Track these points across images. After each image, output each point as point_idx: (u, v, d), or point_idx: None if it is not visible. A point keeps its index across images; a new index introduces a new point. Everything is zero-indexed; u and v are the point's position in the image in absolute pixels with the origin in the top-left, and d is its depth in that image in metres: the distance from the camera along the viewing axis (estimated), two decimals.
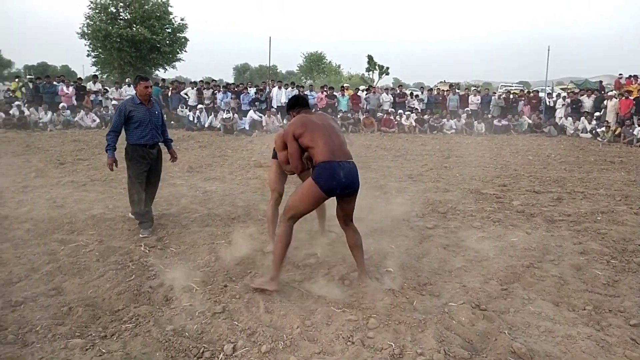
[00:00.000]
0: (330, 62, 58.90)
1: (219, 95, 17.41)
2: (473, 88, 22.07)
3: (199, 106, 16.76)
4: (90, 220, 5.30)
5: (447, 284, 3.80)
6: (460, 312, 3.30)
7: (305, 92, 18.44)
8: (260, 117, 16.22)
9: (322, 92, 18.62)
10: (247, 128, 15.57)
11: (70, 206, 5.86)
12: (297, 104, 3.90)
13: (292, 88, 17.98)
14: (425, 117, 18.27)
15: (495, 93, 20.85)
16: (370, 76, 50.62)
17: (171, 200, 6.35)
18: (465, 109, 18.81)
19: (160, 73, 31.93)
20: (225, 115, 15.70)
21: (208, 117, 16.29)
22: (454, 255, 4.49)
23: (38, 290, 3.49)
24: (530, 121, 18.20)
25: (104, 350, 2.69)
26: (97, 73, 29.46)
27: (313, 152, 3.51)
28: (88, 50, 29.65)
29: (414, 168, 9.41)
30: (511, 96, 19.86)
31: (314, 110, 15.85)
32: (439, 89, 21.77)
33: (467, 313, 3.29)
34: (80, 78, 18.68)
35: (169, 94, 17.72)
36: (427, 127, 17.76)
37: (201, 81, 18.45)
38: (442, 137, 16.11)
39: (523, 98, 19.53)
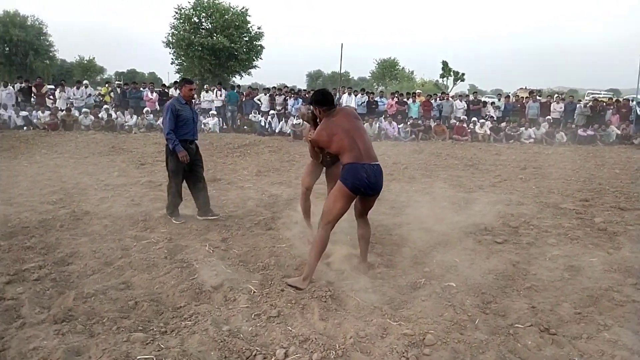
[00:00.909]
0: (403, 68, 58.27)
1: (290, 101, 17.74)
2: (556, 95, 20.82)
3: (271, 112, 17.18)
4: (163, 219, 5.56)
5: (514, 304, 3.57)
6: (526, 335, 3.09)
7: (375, 98, 18.32)
8: None
9: (392, 98, 18.41)
10: None
11: (146, 205, 6.19)
12: (326, 102, 4.01)
13: (362, 94, 17.95)
14: (502, 125, 17.51)
15: (580, 101, 19.56)
16: (445, 82, 49.46)
17: (238, 202, 6.52)
18: (547, 118, 17.82)
19: (237, 80, 33.19)
20: (295, 121, 15.97)
21: (279, 123, 16.64)
22: (523, 273, 4.22)
23: (109, 283, 3.70)
24: (618, 132, 16.91)
25: (162, 346, 2.79)
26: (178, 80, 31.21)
27: (341, 157, 3.84)
28: (172, 58, 31.49)
29: (485, 179, 9.02)
30: (598, 104, 18.53)
31: (383, 116, 15.63)
32: (517, 95, 20.78)
33: (534, 336, 3.07)
34: (164, 84, 19.81)
35: (243, 99, 18.30)
36: (503, 136, 17.01)
37: (274, 87, 18.91)
38: (519, 147, 15.35)
39: (611, 107, 18.17)
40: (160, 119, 16.71)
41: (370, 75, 60.36)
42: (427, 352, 2.86)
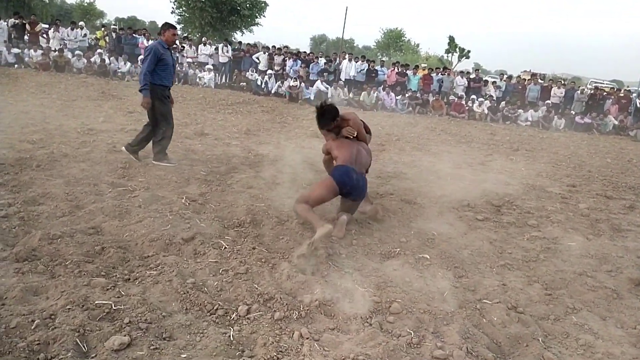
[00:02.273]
0: (409, 40, 57.24)
1: (289, 63, 17.40)
2: (558, 80, 20.57)
3: (268, 71, 16.87)
4: (143, 168, 5.45)
5: (486, 280, 3.55)
6: (493, 311, 3.07)
7: (376, 67, 18.00)
8: (327, 88, 16.06)
9: (392, 69, 18.12)
10: (312, 98, 15.48)
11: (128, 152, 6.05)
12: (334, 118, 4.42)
13: (362, 61, 17.62)
14: (500, 105, 17.34)
15: (580, 87, 19.37)
16: (449, 58, 48.73)
17: (222, 159, 6.41)
18: (546, 102, 17.64)
19: (238, 36, 32.42)
20: (292, 83, 15.70)
21: (275, 83, 16.36)
22: (499, 251, 4.20)
23: (78, 227, 3.62)
24: (616, 122, 16.82)
25: (123, 293, 2.74)
26: (179, 31, 30.42)
27: (336, 162, 4.38)
28: (172, 8, 30.61)
29: (476, 156, 8.95)
30: (599, 93, 18.36)
31: (382, 86, 15.45)
32: (519, 77, 20.52)
33: (500, 313, 3.05)
34: (158, 33, 19.26)
35: (243, 56, 17.92)
36: (501, 116, 16.89)
37: (273, 47, 18.48)
38: (515, 129, 15.26)
39: (612, 96, 18.01)
40: None
41: (375, 44, 59.29)
42: (391, 319, 2.83)
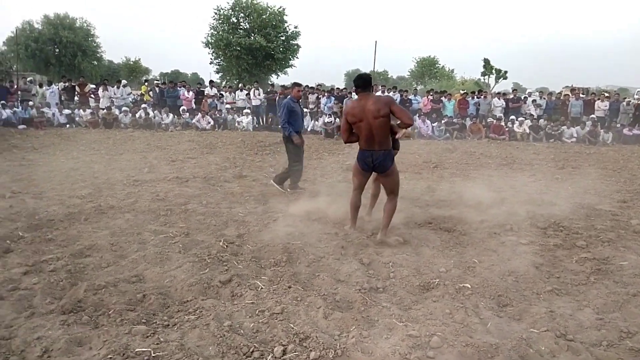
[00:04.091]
0: (443, 66, 57.12)
1: (323, 100, 17.69)
2: (601, 93, 19.86)
3: (304, 110, 17.20)
4: (184, 214, 5.63)
5: (532, 308, 3.39)
6: (540, 340, 2.92)
7: (410, 97, 18.03)
8: None
9: (427, 97, 18.08)
10: None
11: (170, 200, 6.29)
12: (357, 84, 4.76)
13: (395, 92, 17.69)
14: (541, 123, 16.88)
15: (625, 98, 18.62)
16: (486, 81, 48.18)
17: (259, 198, 6.53)
18: (590, 116, 17.03)
19: (274, 79, 33.41)
20: (327, 119, 15.93)
21: (311, 121, 16.64)
22: (546, 276, 4.01)
23: (121, 276, 3.75)
24: None
25: (162, 339, 2.79)
26: (218, 79, 31.85)
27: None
28: (211, 58, 32.04)
29: (518, 178, 8.69)
30: None
31: (417, 114, 15.41)
32: (560, 93, 19.99)
33: (548, 342, 2.90)
34: (199, 83, 20.17)
35: (277, 98, 18.41)
36: (543, 134, 16.39)
37: (306, 86, 18.90)
38: (559, 147, 14.75)
39: None
40: (195, 118, 17.11)
41: (409, 73, 59.52)
42: (432, 354, 2.75)
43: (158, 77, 56.54)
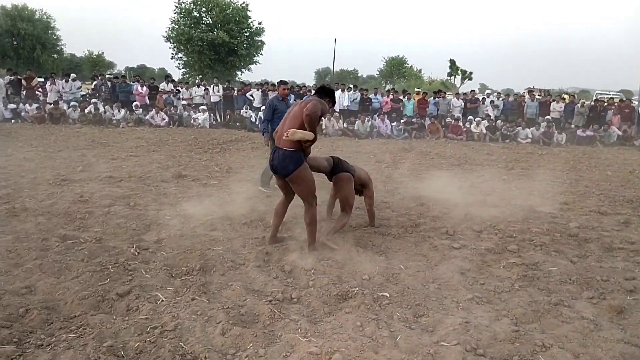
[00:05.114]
0: (411, 66, 57.54)
1: (271, 95, 17.37)
2: (564, 95, 20.12)
3: (262, 107, 16.86)
4: (104, 217, 5.27)
5: (448, 318, 3.22)
6: (448, 355, 2.75)
7: (370, 96, 17.91)
8: (321, 120, 15.95)
9: (387, 96, 18.02)
10: None
11: (94, 201, 5.90)
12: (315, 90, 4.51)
13: (355, 91, 17.54)
14: (498, 124, 17.04)
15: (581, 100, 19.02)
16: (452, 81, 48.81)
17: (194, 200, 6.20)
18: (546, 117, 17.28)
19: (244, 76, 32.72)
20: None
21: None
22: (470, 283, 3.87)
23: (11, 287, 3.41)
24: (619, 132, 16.37)
25: None
26: (182, 75, 31.09)
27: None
28: (172, 53, 31.18)
29: (468, 179, 8.62)
30: (599, 105, 17.96)
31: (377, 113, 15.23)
32: (516, 94, 20.27)
33: (456, 357, 2.72)
34: (153, 78, 19.52)
35: (235, 94, 18.01)
36: (499, 135, 16.53)
37: (266, 83, 18.58)
38: (514, 147, 14.86)
39: (613, 107, 17.60)
40: (149, 114, 16.53)
41: (378, 72, 59.79)
42: None
43: (123, 71, 54.86)
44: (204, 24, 30.38)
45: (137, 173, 7.87)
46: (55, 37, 39.37)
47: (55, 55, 41.04)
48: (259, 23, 31.13)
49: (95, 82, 18.26)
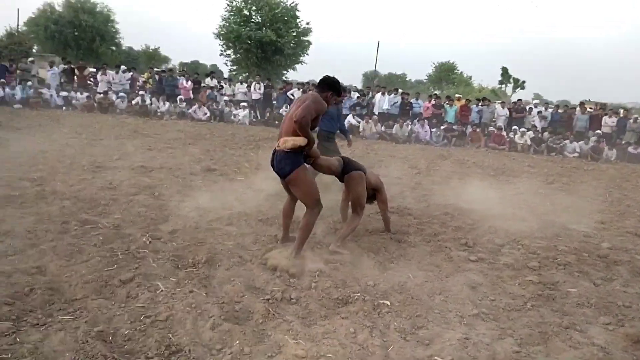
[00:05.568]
0: (461, 72, 56.26)
1: None
2: (620, 110, 19.09)
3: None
4: (127, 204, 5.41)
5: (447, 333, 3.09)
6: None
7: (411, 100, 17.64)
8: (359, 122, 15.86)
9: (429, 101, 17.70)
10: None
11: (121, 189, 6.08)
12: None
13: (396, 94, 17.32)
14: (545, 135, 16.40)
15: (634, 116, 18.00)
16: (503, 90, 47.43)
17: (218, 193, 6.27)
18: (596, 132, 16.47)
19: (289, 75, 32.98)
20: None
21: None
22: (480, 298, 3.71)
23: (23, 266, 3.54)
24: None
25: (18, 340, 2.57)
26: (231, 72, 31.72)
27: None
28: (221, 50, 31.86)
29: (500, 190, 8.32)
30: None
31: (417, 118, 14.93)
32: (566, 106, 19.43)
33: None
34: (197, 73, 20.00)
35: (276, 94, 18.17)
36: (545, 147, 15.92)
37: (307, 83, 18.65)
38: (559, 161, 14.27)
39: None
40: (192, 108, 16.94)
41: (426, 78, 58.91)
42: None
43: (177, 67, 56.36)
44: (253, 22, 30.83)
45: (169, 164, 8.05)
46: (114, 30, 40.91)
47: (114, 48, 42.69)
48: (307, 23, 31.35)
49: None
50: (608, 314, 3.55)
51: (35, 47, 39.83)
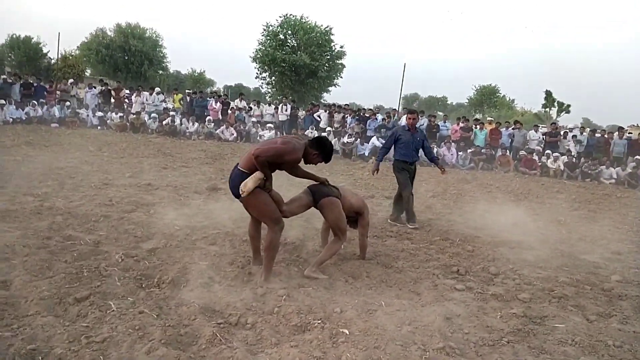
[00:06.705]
0: (503, 95, 55.04)
1: (349, 120, 17.36)
2: None
3: (327, 129, 16.95)
4: (118, 221, 5.44)
5: None
6: None
7: (439, 122, 17.33)
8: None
9: (457, 124, 17.32)
10: (366, 154, 15.17)
11: (118, 206, 6.14)
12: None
13: (422, 116, 17.05)
14: (581, 160, 15.66)
15: None
16: (548, 113, 46.03)
17: (215, 215, 6.24)
18: (635, 157, 15.59)
19: (325, 97, 33.24)
20: (347, 139, 15.56)
21: (333, 140, 16.33)
22: (451, 330, 3.44)
23: None
24: None
25: None
26: (267, 95, 32.36)
27: None
28: (257, 73, 32.52)
29: (515, 216, 7.90)
30: None
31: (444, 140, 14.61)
32: (603, 130, 18.56)
33: None
34: (226, 95, 20.41)
35: (303, 115, 18.28)
36: (579, 173, 15.19)
37: (333, 105, 18.67)
38: (592, 187, 13.56)
39: None
40: (220, 128, 17.25)
41: (467, 101, 58.00)
42: None
43: (222, 89, 57.90)
44: (287, 46, 31.43)
45: (176, 183, 8.14)
46: (161, 55, 42.54)
47: (161, 71, 44.35)
48: (341, 47, 31.65)
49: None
50: (593, 354, 3.22)
51: (88, 70, 42.09)
